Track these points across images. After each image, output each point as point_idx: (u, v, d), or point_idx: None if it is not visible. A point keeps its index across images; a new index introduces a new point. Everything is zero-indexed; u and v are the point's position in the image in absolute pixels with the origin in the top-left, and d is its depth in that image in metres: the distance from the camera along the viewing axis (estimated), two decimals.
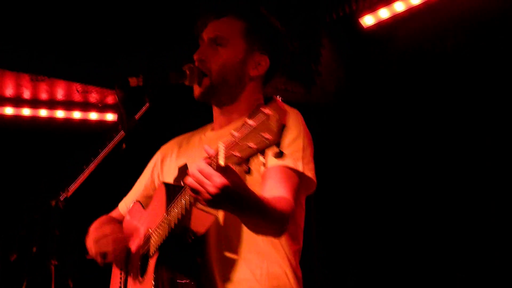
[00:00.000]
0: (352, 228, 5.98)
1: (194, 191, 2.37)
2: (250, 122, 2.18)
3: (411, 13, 5.30)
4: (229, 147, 2.23)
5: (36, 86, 6.02)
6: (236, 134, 2.21)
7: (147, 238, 2.94)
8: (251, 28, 3.06)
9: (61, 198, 2.75)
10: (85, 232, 3.19)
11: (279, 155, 2.19)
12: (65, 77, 5.72)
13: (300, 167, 2.81)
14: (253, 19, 3.09)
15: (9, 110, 6.28)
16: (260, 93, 3.14)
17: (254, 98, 3.10)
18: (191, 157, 3.12)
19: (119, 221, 3.37)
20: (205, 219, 2.74)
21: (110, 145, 2.88)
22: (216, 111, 3.16)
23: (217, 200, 2.35)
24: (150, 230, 2.93)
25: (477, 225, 5.26)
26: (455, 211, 5.39)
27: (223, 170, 2.30)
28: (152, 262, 2.82)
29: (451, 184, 5.44)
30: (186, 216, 2.61)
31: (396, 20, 5.42)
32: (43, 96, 6.28)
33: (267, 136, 2.14)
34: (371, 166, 5.96)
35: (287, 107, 2.79)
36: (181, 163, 3.16)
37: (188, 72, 2.98)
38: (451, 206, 5.42)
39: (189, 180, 2.37)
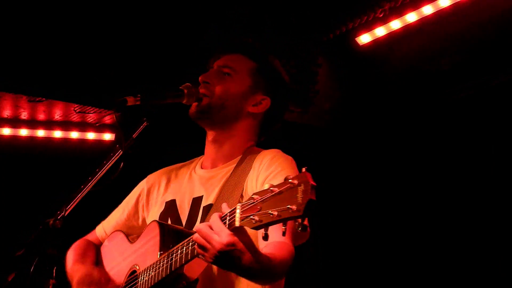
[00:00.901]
0: (349, 250, 5.97)
1: (201, 247, 2.37)
2: (273, 188, 2.15)
3: (407, 31, 5.33)
4: (246, 209, 2.21)
5: (33, 107, 6.03)
6: (256, 196, 2.19)
7: (134, 276, 2.91)
8: (260, 70, 3.16)
9: (59, 217, 2.75)
10: None
11: (303, 229, 2.10)
12: (63, 97, 5.72)
13: None
14: (263, 63, 3.19)
15: (6, 131, 6.28)
16: (255, 134, 3.18)
17: (248, 137, 3.14)
18: (179, 194, 3.13)
19: (96, 246, 3.36)
20: (197, 265, 2.72)
21: (108, 165, 2.88)
22: (208, 139, 3.16)
23: (222, 259, 2.34)
24: (136, 267, 2.92)
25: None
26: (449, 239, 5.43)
27: (235, 229, 2.29)
28: None
29: (448, 210, 5.48)
30: (185, 265, 2.60)
31: (393, 38, 5.44)
32: (41, 116, 6.28)
33: (292, 206, 2.08)
34: (368, 185, 5.97)
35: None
36: (168, 198, 3.16)
37: (185, 91, 3.00)
38: (446, 232, 5.46)
39: (195, 236, 2.38)
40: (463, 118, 5.44)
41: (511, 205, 5.15)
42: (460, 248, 5.36)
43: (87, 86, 5.44)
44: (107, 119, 6.35)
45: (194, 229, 2.41)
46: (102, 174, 2.89)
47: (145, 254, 2.88)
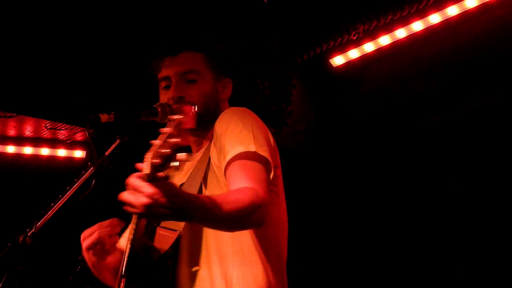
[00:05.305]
0: (324, 274, 5.99)
1: (130, 205, 2.32)
2: (165, 129, 2.27)
3: (381, 54, 5.37)
4: (152, 157, 2.26)
5: (4, 123, 5.98)
6: (155, 142, 2.26)
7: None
8: (210, 58, 3.16)
9: (29, 234, 2.72)
10: (52, 268, 3.15)
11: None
12: (34, 113, 5.68)
13: (247, 149, 2.73)
14: (208, 49, 3.19)
15: None
16: None
17: None
18: None
19: None
20: (168, 236, 2.74)
21: (79, 182, 2.86)
22: (190, 140, 3.17)
23: (153, 210, 2.29)
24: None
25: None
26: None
27: (153, 181, 2.27)
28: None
29: (420, 227, 5.53)
30: (142, 232, 2.63)
31: (366, 60, 5.49)
32: (11, 132, 6.23)
33: (177, 136, 2.23)
34: (340, 205, 5.99)
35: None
36: None
37: (159, 109, 2.99)
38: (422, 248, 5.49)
39: (122, 196, 2.34)
40: (436, 141, 5.50)
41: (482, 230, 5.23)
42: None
43: (59, 102, 5.40)
44: (78, 136, 6.31)
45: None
46: (73, 191, 2.86)
47: None
